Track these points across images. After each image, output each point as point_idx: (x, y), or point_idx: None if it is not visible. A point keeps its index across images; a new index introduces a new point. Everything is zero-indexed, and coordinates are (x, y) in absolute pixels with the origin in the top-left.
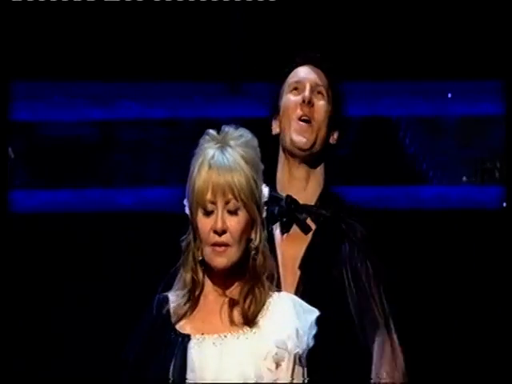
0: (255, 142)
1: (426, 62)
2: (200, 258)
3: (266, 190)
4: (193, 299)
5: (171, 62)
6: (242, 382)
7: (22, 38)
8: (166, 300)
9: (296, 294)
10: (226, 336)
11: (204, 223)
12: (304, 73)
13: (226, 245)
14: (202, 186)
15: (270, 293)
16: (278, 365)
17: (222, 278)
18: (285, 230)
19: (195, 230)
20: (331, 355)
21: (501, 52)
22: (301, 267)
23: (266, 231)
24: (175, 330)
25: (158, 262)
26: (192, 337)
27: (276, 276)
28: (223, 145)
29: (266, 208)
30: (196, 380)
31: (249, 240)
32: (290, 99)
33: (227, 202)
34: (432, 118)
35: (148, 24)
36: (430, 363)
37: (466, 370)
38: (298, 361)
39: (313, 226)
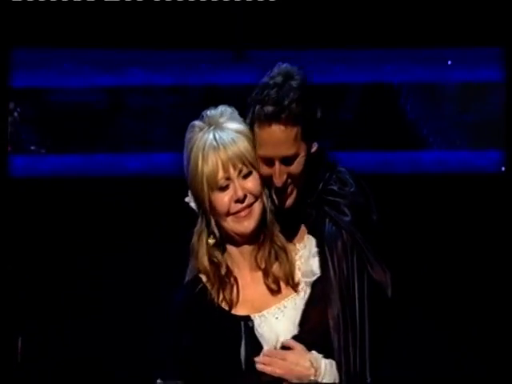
0: (236, 112)
1: (426, 30)
2: (213, 242)
3: None
4: (225, 280)
5: (178, 30)
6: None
7: (33, 6)
8: (197, 286)
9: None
10: (285, 306)
11: (222, 198)
12: (272, 145)
13: (250, 206)
14: (211, 169)
15: (295, 245)
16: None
17: (248, 251)
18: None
19: (210, 212)
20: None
21: (500, 19)
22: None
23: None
24: (230, 314)
25: (166, 225)
26: (252, 317)
27: None
28: (213, 126)
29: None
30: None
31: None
32: (263, 167)
33: (240, 171)
34: (432, 84)
35: None
36: (428, 338)
37: (464, 338)
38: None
39: (305, 231)
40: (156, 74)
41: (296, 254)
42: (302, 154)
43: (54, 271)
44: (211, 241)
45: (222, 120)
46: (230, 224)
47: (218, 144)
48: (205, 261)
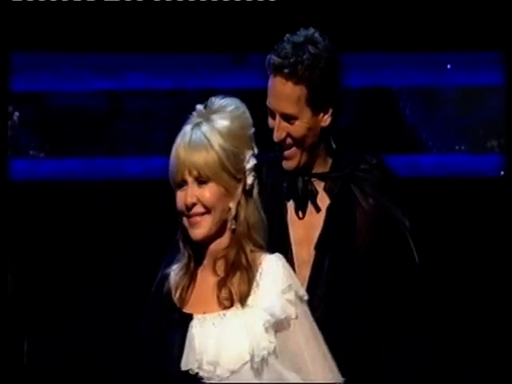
0: (240, 110)
1: (425, 34)
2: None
3: (252, 158)
4: (189, 275)
5: (177, 33)
6: (239, 360)
7: (32, 10)
8: (167, 277)
9: (312, 272)
10: (224, 315)
11: (178, 197)
12: (274, 97)
13: (199, 215)
14: (172, 163)
15: (260, 258)
16: (277, 331)
17: (211, 254)
18: (300, 209)
19: None
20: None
21: (499, 23)
22: (316, 248)
23: (256, 198)
24: (178, 309)
25: (165, 229)
26: (194, 316)
27: (289, 255)
28: (202, 120)
29: (254, 175)
30: (196, 362)
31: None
32: (269, 118)
33: (196, 177)
34: (432, 88)
35: None
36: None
37: (468, 339)
38: (300, 320)
39: (327, 200)
40: (155, 78)
41: (258, 275)
42: (305, 119)
43: (53, 275)
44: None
45: (214, 116)
46: (186, 225)
47: (181, 144)
48: (183, 251)
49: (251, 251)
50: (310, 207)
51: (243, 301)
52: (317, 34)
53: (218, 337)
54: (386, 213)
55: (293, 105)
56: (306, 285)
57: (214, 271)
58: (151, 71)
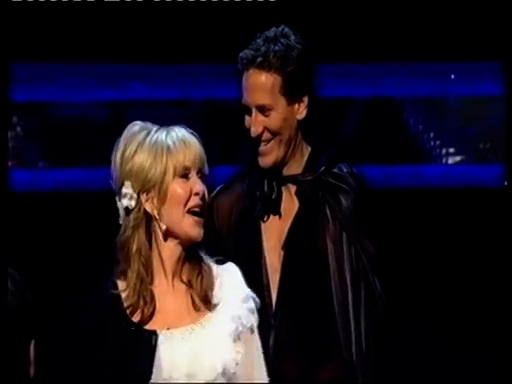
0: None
1: (428, 44)
2: (148, 254)
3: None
4: (147, 291)
5: (180, 44)
6: (213, 372)
7: (35, 20)
8: (118, 297)
9: (281, 276)
10: (193, 329)
11: (182, 187)
12: (248, 91)
13: (203, 210)
14: (185, 157)
15: (216, 266)
16: (243, 341)
17: (176, 258)
18: (268, 214)
19: (164, 204)
20: (309, 334)
21: (500, 34)
22: (284, 247)
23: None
24: (137, 326)
25: None
26: (159, 333)
27: (262, 263)
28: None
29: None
30: (166, 378)
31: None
32: (246, 117)
33: (199, 170)
34: (434, 98)
35: (159, 7)
36: (431, 341)
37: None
38: (255, 331)
39: (296, 203)
40: (158, 88)
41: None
42: (280, 109)
43: (55, 285)
44: (149, 252)
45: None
46: (187, 224)
47: (186, 140)
48: (137, 273)
49: (202, 256)
50: (283, 212)
51: (209, 304)
52: (287, 29)
53: (190, 350)
54: (354, 234)
55: (267, 94)
56: (276, 291)
57: (178, 277)
58: (153, 81)
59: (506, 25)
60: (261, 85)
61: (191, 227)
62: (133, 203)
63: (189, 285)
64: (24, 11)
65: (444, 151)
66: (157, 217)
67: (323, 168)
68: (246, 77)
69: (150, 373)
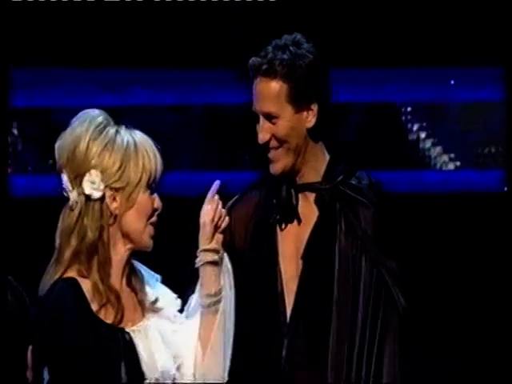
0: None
1: (429, 50)
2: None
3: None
4: (106, 289)
5: (180, 50)
6: (174, 362)
7: (35, 26)
8: (83, 296)
9: (299, 287)
10: (149, 325)
11: (149, 201)
12: (256, 98)
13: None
14: (156, 167)
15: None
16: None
17: (124, 262)
18: (285, 221)
19: (128, 210)
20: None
21: (501, 40)
22: (303, 261)
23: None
24: (106, 325)
25: (166, 244)
26: (127, 329)
27: (276, 270)
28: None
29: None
30: (153, 369)
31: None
32: (257, 126)
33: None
34: (434, 103)
35: (159, 12)
36: (440, 346)
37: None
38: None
39: (315, 211)
40: (158, 94)
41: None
42: (287, 117)
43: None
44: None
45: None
46: (147, 234)
47: (151, 149)
48: (94, 254)
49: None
50: (301, 220)
51: (155, 304)
52: (300, 37)
53: (163, 342)
54: (377, 254)
55: (273, 102)
56: (293, 299)
57: (123, 279)
58: (153, 87)
59: (506, 30)
60: (267, 93)
61: (150, 238)
62: (97, 194)
63: (133, 289)
64: (24, 17)
65: (444, 157)
66: (118, 217)
67: (341, 177)
68: (254, 84)
69: (140, 370)
